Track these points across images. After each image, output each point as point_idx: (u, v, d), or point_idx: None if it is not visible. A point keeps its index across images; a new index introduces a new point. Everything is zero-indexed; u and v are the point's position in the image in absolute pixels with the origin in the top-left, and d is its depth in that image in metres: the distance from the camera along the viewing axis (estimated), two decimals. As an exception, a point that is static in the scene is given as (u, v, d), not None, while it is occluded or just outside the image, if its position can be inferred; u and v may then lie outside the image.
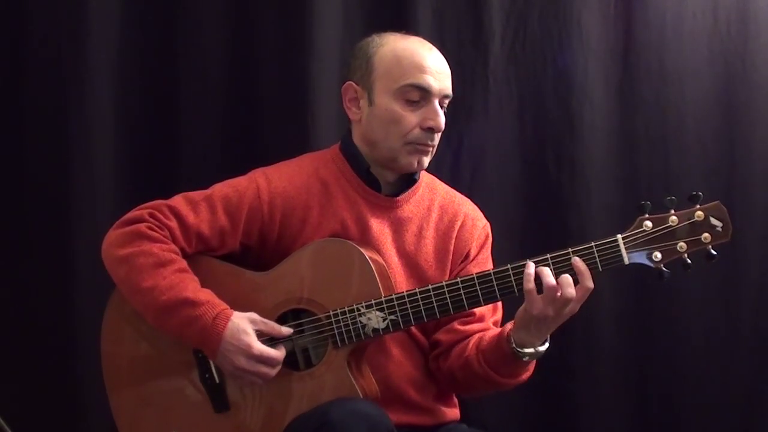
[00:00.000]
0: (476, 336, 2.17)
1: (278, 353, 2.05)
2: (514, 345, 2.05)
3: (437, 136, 2.18)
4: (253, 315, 2.07)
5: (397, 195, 2.22)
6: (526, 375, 2.15)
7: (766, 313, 2.91)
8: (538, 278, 1.98)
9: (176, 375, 2.17)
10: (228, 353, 2.03)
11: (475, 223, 2.29)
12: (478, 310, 2.18)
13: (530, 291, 1.98)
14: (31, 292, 2.70)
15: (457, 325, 2.19)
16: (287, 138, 2.74)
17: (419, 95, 2.14)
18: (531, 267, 1.99)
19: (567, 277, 1.97)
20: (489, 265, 2.28)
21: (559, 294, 1.97)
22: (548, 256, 2.01)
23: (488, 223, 2.32)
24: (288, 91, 2.76)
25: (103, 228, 2.18)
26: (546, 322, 2.00)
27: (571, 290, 1.96)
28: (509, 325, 2.07)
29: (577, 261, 1.98)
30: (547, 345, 2.07)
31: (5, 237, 2.70)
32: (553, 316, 1.99)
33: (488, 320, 2.22)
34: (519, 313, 2.03)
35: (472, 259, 2.26)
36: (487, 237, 2.31)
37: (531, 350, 2.05)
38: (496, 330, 2.15)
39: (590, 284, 1.98)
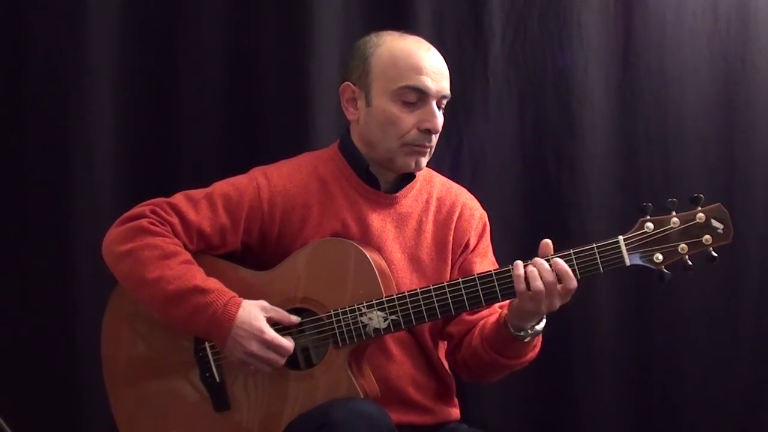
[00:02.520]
0: (480, 323, 2.18)
1: (288, 343, 2.05)
2: (512, 330, 2.06)
3: (435, 137, 2.18)
4: (264, 303, 2.08)
5: (396, 191, 2.23)
6: (533, 353, 2.16)
7: (767, 313, 2.91)
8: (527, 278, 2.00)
9: (176, 375, 2.17)
10: (239, 338, 2.03)
11: (472, 213, 2.29)
12: None
13: (521, 292, 2.00)
14: (31, 292, 2.70)
15: (465, 316, 2.20)
16: (287, 137, 2.74)
17: (416, 97, 2.14)
18: (520, 268, 2.00)
19: (553, 282, 1.98)
20: (490, 255, 2.31)
21: (545, 296, 1.98)
22: (550, 257, 2.01)
23: (485, 212, 2.33)
24: (288, 91, 2.76)
25: (103, 227, 2.18)
26: (539, 313, 2.03)
27: (556, 293, 1.99)
28: (505, 310, 2.08)
29: (558, 263, 1.99)
30: (543, 322, 2.08)
31: (5, 237, 2.69)
32: (545, 310, 2.02)
33: (495, 305, 2.20)
34: (512, 306, 2.05)
35: (473, 249, 2.27)
36: (485, 226, 2.32)
37: (529, 331, 2.07)
38: (496, 315, 2.16)
39: (573, 285, 1.99)
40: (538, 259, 2.00)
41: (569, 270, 1.98)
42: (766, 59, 2.92)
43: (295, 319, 2.09)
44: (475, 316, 2.20)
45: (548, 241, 2.02)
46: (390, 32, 2.22)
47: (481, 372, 2.21)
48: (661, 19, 2.91)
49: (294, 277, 2.13)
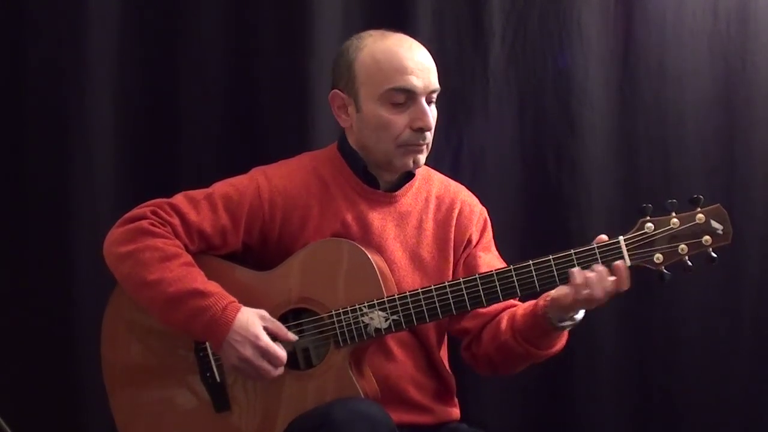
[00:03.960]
0: (505, 317, 2.17)
1: (282, 352, 2.05)
2: (553, 321, 2.06)
3: (429, 134, 2.16)
4: (263, 312, 2.07)
5: (396, 190, 2.23)
6: (562, 342, 2.17)
7: (767, 312, 2.92)
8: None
9: (175, 376, 2.17)
10: (235, 343, 2.02)
11: (472, 209, 2.30)
12: None
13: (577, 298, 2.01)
14: (31, 292, 2.70)
15: (481, 309, 2.18)
16: (287, 138, 2.74)
17: (404, 97, 2.13)
18: (579, 276, 1.99)
19: (614, 291, 2.00)
20: (494, 249, 2.31)
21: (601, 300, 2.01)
22: (551, 257, 2.02)
23: (485, 209, 2.33)
24: (288, 91, 2.76)
25: (103, 228, 2.18)
26: (586, 309, 2.05)
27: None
28: (541, 302, 2.08)
29: (620, 268, 1.99)
30: (582, 312, 2.08)
31: (5, 237, 2.69)
32: (593, 307, 2.03)
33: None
34: (561, 298, 2.03)
35: (476, 244, 2.27)
36: (486, 221, 2.32)
37: (570, 322, 2.08)
38: (524, 307, 2.15)
39: (625, 288, 2.01)
40: (598, 267, 1.99)
41: (627, 278, 2.00)
42: (766, 59, 2.92)
43: (292, 336, 2.08)
44: (491, 309, 2.19)
45: (604, 236, 2.03)
46: (371, 32, 2.20)
47: (505, 365, 2.20)
48: (661, 20, 2.91)
49: (294, 278, 2.13)
